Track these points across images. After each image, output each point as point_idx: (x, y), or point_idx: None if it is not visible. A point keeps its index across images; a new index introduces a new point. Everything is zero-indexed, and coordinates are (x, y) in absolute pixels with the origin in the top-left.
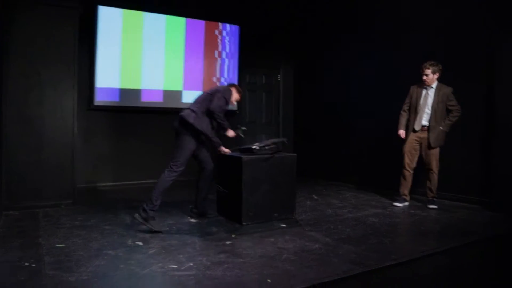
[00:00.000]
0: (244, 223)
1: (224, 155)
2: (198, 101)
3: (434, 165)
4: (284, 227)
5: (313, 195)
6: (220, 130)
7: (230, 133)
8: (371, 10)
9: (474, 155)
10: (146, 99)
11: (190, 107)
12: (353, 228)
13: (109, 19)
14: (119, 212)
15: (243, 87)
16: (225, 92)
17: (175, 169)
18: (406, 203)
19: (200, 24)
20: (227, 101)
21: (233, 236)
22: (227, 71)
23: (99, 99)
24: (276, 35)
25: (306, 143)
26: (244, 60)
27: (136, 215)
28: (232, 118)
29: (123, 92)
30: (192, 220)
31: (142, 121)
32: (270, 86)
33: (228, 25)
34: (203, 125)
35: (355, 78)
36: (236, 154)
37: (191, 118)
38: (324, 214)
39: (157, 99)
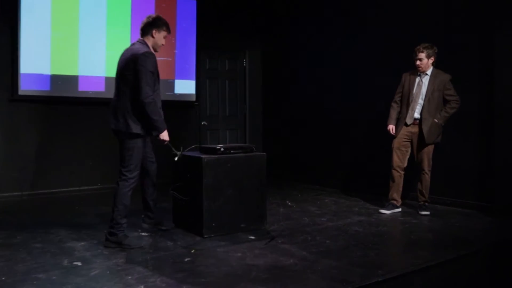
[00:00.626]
0: (205, 236)
1: (184, 156)
2: (118, 83)
3: (426, 164)
4: (253, 239)
5: (287, 201)
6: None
7: (165, 136)
8: None
9: (471, 154)
10: (84, 88)
11: (117, 96)
12: (333, 239)
13: None
14: (52, 226)
15: (202, 74)
16: (144, 61)
17: (129, 175)
18: (397, 210)
19: None
20: (152, 71)
21: (192, 251)
22: (181, 54)
23: (25, 87)
24: (241, 11)
25: (278, 140)
26: (203, 42)
27: (105, 243)
28: (190, 111)
29: (55, 79)
30: (143, 234)
31: (79, 115)
32: (235, 73)
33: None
34: (138, 121)
35: (337, 62)
36: (195, 154)
37: (119, 123)
38: (300, 223)
39: (97, 88)
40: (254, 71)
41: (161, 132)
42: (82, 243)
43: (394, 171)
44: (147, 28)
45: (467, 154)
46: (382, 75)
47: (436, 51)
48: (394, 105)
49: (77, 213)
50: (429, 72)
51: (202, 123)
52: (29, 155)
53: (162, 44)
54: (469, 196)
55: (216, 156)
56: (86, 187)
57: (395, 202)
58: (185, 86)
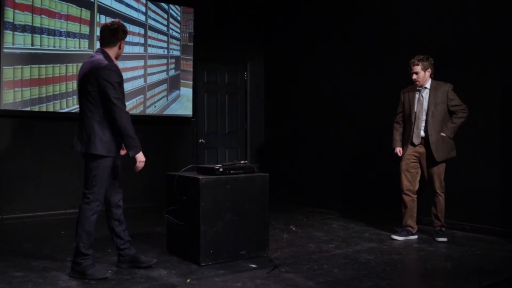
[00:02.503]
0: (202, 264)
1: (179, 177)
2: (82, 101)
3: (438, 185)
4: (254, 268)
5: (291, 226)
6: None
7: (141, 157)
8: None
9: (493, 176)
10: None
11: (82, 114)
12: (342, 268)
13: None
14: (35, 253)
15: (200, 87)
16: (108, 74)
17: (92, 198)
18: (412, 237)
19: (141, 7)
20: (119, 81)
21: (188, 281)
22: (175, 67)
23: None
24: (242, 22)
25: (281, 159)
26: (201, 54)
27: (70, 273)
28: (187, 127)
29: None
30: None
31: (64, 132)
32: (235, 86)
33: (178, 8)
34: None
35: (343, 75)
36: (192, 174)
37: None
38: (306, 251)
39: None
40: (255, 84)
41: (138, 152)
42: (67, 272)
43: (405, 196)
44: (113, 38)
45: (488, 176)
46: (389, 88)
47: (432, 62)
48: (396, 125)
49: (63, 238)
50: (428, 85)
51: (200, 141)
52: (10, 175)
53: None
54: (490, 222)
55: (215, 177)
56: (72, 210)
57: (410, 229)
58: (181, 101)
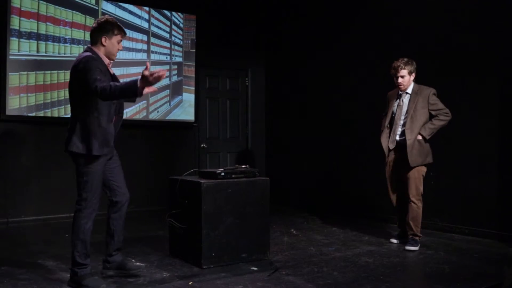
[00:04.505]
0: (204, 267)
1: (181, 181)
2: (70, 102)
3: (414, 192)
4: (255, 270)
5: (292, 229)
6: (122, 103)
7: (148, 87)
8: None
9: (491, 180)
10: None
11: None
12: (341, 271)
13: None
14: (39, 256)
15: (201, 93)
16: (84, 63)
17: (84, 204)
18: None
19: (145, 14)
20: (100, 68)
21: (190, 283)
22: (177, 73)
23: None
24: (243, 28)
25: (282, 163)
26: (203, 60)
27: (68, 281)
28: (189, 132)
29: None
30: (138, 264)
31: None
32: (236, 92)
33: (181, 15)
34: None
35: (344, 81)
36: (194, 178)
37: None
38: (306, 254)
39: None
40: (256, 90)
41: (135, 91)
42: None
43: (393, 201)
44: (94, 36)
45: (486, 180)
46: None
47: (416, 66)
48: (386, 131)
49: (67, 242)
50: (409, 89)
51: (201, 145)
52: (16, 179)
53: (119, 50)
54: (489, 225)
55: (216, 181)
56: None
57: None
58: (184, 106)
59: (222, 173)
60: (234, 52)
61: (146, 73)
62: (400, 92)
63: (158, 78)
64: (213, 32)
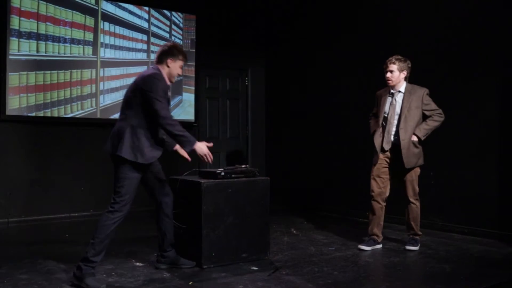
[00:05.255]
0: (204, 266)
1: (182, 181)
2: (123, 106)
3: (411, 193)
4: (255, 270)
5: (292, 229)
6: (172, 146)
7: (201, 148)
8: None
9: (491, 180)
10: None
11: (119, 118)
12: (342, 271)
13: None
14: (39, 256)
15: (202, 93)
16: (151, 82)
17: (117, 208)
18: (377, 246)
19: (144, 14)
20: (164, 90)
21: (190, 283)
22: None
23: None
24: (243, 28)
25: (282, 163)
26: (203, 60)
27: (71, 277)
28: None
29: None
30: (138, 264)
31: (70, 136)
32: (236, 92)
33: (181, 15)
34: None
35: (344, 81)
36: (194, 178)
37: (121, 147)
38: (306, 253)
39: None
40: (256, 90)
41: (192, 145)
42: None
43: (374, 202)
44: (161, 57)
45: (487, 179)
46: None
47: (409, 65)
48: (379, 130)
49: (67, 242)
50: (402, 88)
51: None
52: (16, 180)
53: (179, 74)
54: (489, 225)
55: (216, 181)
56: (77, 214)
57: (376, 237)
58: (184, 106)
59: (222, 173)
60: (234, 52)
61: (206, 159)
62: (393, 91)
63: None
64: (213, 32)
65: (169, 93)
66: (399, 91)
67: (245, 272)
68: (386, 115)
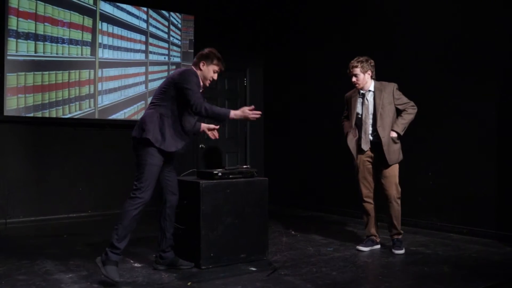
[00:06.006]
0: (203, 267)
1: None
2: (154, 97)
3: (394, 191)
4: (254, 271)
5: (291, 230)
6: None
7: (238, 114)
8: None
9: (490, 179)
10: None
11: (149, 107)
12: (340, 271)
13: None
14: (37, 257)
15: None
16: (188, 75)
17: (138, 194)
18: (376, 246)
19: (143, 14)
20: (197, 83)
21: (189, 284)
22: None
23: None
24: (241, 28)
25: (281, 163)
26: None
27: (98, 258)
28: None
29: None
30: (137, 265)
31: (68, 137)
32: (235, 92)
33: (179, 15)
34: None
35: (342, 81)
36: (192, 179)
37: (145, 128)
38: (305, 254)
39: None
40: (255, 90)
41: (227, 117)
42: (70, 275)
43: (366, 204)
44: (197, 60)
45: (485, 180)
46: None
47: (372, 64)
48: (351, 134)
49: (65, 243)
50: (371, 87)
51: (200, 146)
52: (14, 180)
53: (213, 78)
54: (487, 225)
55: (215, 181)
56: (75, 215)
57: (374, 237)
58: None
59: (219, 174)
60: (232, 52)
61: (252, 116)
62: (362, 91)
63: (252, 119)
64: (211, 32)
65: (202, 91)
66: (369, 90)
67: (243, 273)
68: (360, 116)
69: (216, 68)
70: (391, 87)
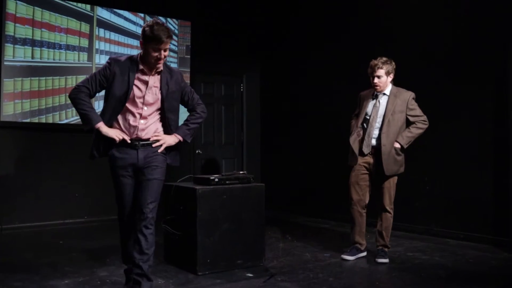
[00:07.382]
0: (199, 273)
1: (176, 188)
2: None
3: (388, 201)
4: (250, 277)
5: (287, 235)
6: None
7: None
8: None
9: (486, 185)
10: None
11: None
12: (337, 277)
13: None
14: (33, 263)
15: None
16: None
17: (118, 215)
18: (361, 254)
19: (140, 20)
20: (100, 70)
21: None
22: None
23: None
24: (238, 34)
25: (277, 169)
26: (198, 66)
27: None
28: None
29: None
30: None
31: (64, 142)
32: (231, 98)
33: (176, 21)
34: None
35: (340, 86)
36: (189, 185)
37: None
38: (301, 260)
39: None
40: (251, 96)
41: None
42: (66, 281)
43: (354, 210)
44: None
45: (481, 185)
46: None
47: (395, 67)
48: (355, 135)
49: (61, 249)
50: (387, 91)
51: (197, 151)
52: (10, 186)
53: (155, 60)
54: (484, 230)
55: (211, 187)
56: (71, 220)
57: (359, 246)
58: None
59: (216, 180)
60: (229, 58)
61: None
62: (377, 93)
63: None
64: (208, 38)
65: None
66: (384, 94)
67: (240, 279)
68: (368, 117)
69: (154, 45)
70: (408, 95)
